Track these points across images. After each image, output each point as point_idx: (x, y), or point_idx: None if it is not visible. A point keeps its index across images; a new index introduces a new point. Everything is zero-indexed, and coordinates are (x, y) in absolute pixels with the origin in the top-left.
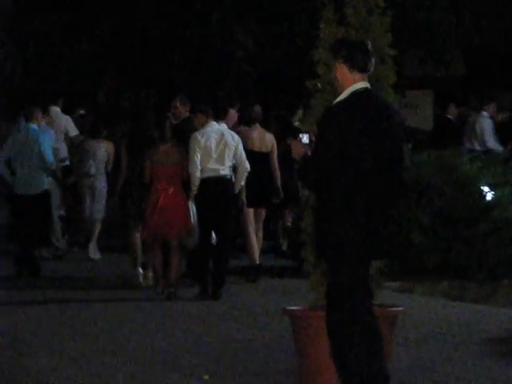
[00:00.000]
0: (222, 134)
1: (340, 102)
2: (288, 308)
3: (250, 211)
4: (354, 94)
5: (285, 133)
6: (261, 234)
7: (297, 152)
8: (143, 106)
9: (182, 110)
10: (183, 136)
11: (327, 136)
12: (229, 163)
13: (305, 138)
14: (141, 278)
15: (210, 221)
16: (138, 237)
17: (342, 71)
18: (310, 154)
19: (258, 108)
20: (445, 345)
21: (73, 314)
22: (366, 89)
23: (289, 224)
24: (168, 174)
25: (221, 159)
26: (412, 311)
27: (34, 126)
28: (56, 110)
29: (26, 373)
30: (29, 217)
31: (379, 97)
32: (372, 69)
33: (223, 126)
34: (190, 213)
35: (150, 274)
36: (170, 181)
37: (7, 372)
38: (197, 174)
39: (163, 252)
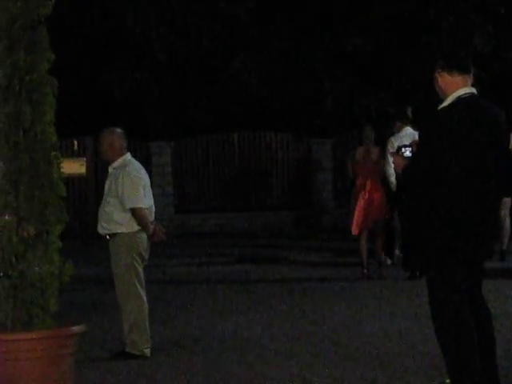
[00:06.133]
0: (414, 138)
1: (444, 107)
2: None
3: None
4: (459, 98)
5: None
6: None
7: (397, 166)
8: (376, 111)
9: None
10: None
11: (429, 140)
12: None
13: (407, 152)
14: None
15: None
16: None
17: (443, 80)
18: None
19: None
20: None
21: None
22: (471, 94)
23: None
24: (367, 171)
25: None
26: None
27: None
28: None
29: (264, 377)
30: None
31: (485, 101)
32: (472, 70)
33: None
34: (386, 205)
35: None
36: (368, 177)
37: (248, 378)
38: (390, 171)
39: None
